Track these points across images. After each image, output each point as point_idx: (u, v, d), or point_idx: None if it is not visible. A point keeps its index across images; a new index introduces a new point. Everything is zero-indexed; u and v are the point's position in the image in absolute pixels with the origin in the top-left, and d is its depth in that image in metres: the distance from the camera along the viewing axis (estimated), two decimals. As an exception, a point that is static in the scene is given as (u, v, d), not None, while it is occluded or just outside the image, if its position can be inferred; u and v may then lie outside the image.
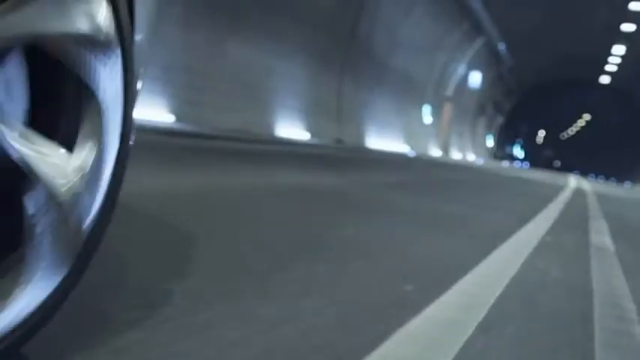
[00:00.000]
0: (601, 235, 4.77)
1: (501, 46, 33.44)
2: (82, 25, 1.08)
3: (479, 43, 29.64)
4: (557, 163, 71.54)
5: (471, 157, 37.61)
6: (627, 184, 38.66)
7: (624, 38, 34.67)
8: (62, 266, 1.15)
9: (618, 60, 41.86)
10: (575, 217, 6.25)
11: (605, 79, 51.73)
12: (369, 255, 2.62)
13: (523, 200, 7.89)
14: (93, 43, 1.11)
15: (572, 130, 75.44)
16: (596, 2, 28.08)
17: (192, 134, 8.60)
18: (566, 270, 2.93)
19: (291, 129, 14.09)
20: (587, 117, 68.12)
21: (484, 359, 1.45)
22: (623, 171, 54.32)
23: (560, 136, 75.64)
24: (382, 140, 20.74)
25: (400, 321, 1.56)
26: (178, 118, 9.59)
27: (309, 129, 14.82)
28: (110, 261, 1.73)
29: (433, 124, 28.19)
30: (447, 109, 30.13)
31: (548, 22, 31.78)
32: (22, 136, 1.05)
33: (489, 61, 34.00)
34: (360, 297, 1.84)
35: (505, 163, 43.45)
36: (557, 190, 11.88)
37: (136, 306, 1.43)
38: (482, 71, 33.00)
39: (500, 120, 51.50)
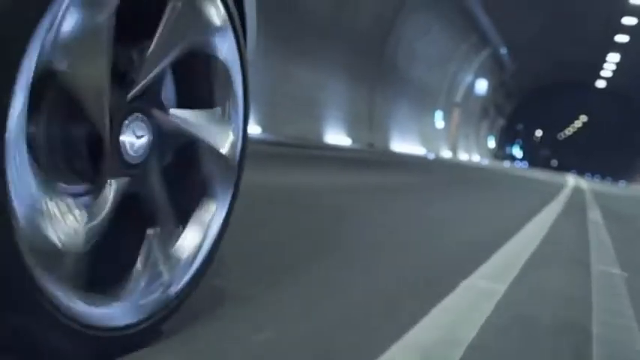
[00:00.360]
0: (595, 216, 6.92)
1: (504, 56, 34.74)
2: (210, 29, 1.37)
3: (485, 54, 31.34)
4: (555, 163, 71.01)
5: (476, 158, 38.81)
6: (622, 184, 39.47)
7: (618, 47, 36.00)
8: (227, 200, 1.44)
9: (613, 66, 42.83)
10: (576, 206, 8.36)
11: (601, 84, 52.22)
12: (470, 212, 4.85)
13: (536, 194, 10.04)
14: (212, 28, 1.38)
15: (569, 131, 75.45)
16: (592, 15, 29.44)
17: (274, 142, 10.68)
18: (575, 229, 5.13)
19: (336, 136, 16.22)
20: (584, 118, 68.27)
21: (553, 243, 3.66)
22: (618, 170, 54.77)
23: (558, 136, 75.65)
24: (403, 143, 22.68)
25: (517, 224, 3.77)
26: (263, 129, 11.70)
27: (350, 135, 16.92)
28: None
29: (444, 127, 29.75)
30: (456, 114, 31.64)
31: (548, 33, 33.13)
32: (189, 115, 1.36)
33: (493, 69, 35.43)
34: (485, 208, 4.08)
35: (506, 163, 44.38)
36: (559, 187, 13.64)
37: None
38: (487, 78, 34.37)
39: (501, 122, 52.08)
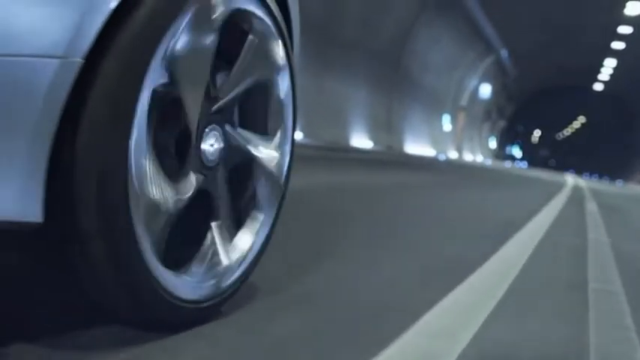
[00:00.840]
0: (592, 207, 8.40)
1: (507, 61, 36.07)
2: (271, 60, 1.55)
3: (489, 60, 32.86)
4: (553, 162, 70.33)
5: (479, 158, 40.05)
6: (619, 183, 39.05)
7: (615, 53, 37.17)
8: (272, 213, 1.61)
9: (610, 71, 43.81)
10: (576, 200, 9.80)
11: (598, 87, 52.97)
12: (491, 199, 6.42)
13: (541, 191, 11.52)
14: (276, 67, 1.58)
15: (567, 131, 75.70)
16: (590, 24, 30.63)
17: (314, 146, 12.23)
18: (575, 217, 6.64)
19: (361, 139, 17.82)
20: (582, 119, 68.81)
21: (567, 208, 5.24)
22: (616, 170, 54.81)
23: (556, 136, 75.85)
24: (416, 145, 24.29)
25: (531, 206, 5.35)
26: (304, 135, 13.23)
27: (372, 139, 18.58)
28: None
29: (451, 130, 31.17)
30: (461, 117, 33.01)
31: (548, 40, 34.25)
32: (250, 135, 1.54)
33: (496, 74, 36.80)
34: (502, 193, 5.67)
35: (507, 163, 45.23)
36: (560, 186, 14.91)
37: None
38: (490, 83, 35.71)
39: (502, 123, 52.72)
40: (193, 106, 1.31)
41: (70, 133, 1.10)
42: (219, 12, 1.34)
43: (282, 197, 1.66)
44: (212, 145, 1.41)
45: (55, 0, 1.06)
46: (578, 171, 49.58)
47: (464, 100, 32.95)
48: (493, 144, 52.00)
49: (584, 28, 31.56)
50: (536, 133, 72.96)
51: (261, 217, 1.57)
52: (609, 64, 41.56)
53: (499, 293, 2.04)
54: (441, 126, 29.32)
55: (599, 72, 45.74)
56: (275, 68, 1.60)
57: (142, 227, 1.19)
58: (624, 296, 2.32)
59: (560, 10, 28.09)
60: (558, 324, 1.81)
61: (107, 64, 1.13)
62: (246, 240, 1.53)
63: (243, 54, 1.47)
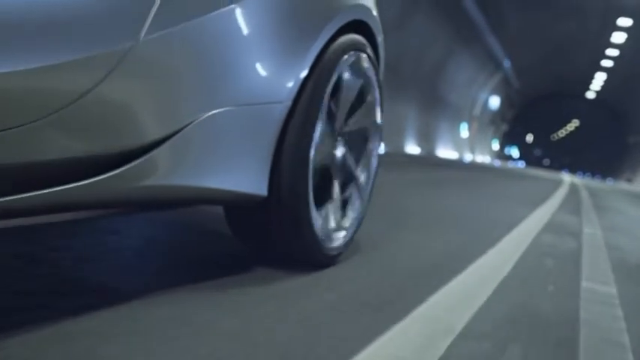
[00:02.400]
0: (585, 195, 13.13)
1: (512, 76, 40.32)
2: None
3: (497, 77, 37.52)
4: (547, 162, 71.44)
5: (487, 159, 44.51)
6: (610, 181, 41.21)
7: (605, 69, 41.19)
8: (362, 206, 2.27)
9: (601, 82, 47.18)
10: (574, 191, 13.76)
11: (591, 95, 55.61)
12: (514, 187, 11.27)
13: (548, 184, 15.80)
14: (376, 102, 2.27)
15: (562, 133, 75.87)
16: (582, 47, 34.85)
17: (389, 153, 16.95)
18: (575, 196, 11.34)
19: (412, 147, 22.72)
20: (575, 123, 70.17)
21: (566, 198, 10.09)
22: (606, 169, 57.09)
23: (551, 137, 75.97)
24: (444, 150, 29.23)
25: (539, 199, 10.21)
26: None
27: (419, 146, 23.52)
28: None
29: (467, 136, 35.94)
30: (474, 125, 37.73)
31: (548, 57, 38.18)
32: (350, 158, 2.17)
33: (502, 87, 41.38)
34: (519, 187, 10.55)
35: (511, 163, 47.78)
36: (559, 182, 18.02)
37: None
38: (498, 95, 40.32)
39: (503, 127, 55.71)
40: (335, 135, 2.05)
41: (279, 143, 1.73)
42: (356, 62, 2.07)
43: (370, 193, 2.35)
44: (339, 150, 2.12)
45: (284, 57, 1.63)
46: (572, 170, 52.51)
47: (476, 111, 37.67)
48: (496, 146, 54.93)
49: (577, 48, 35.52)
50: (535, 136, 74.03)
51: (357, 203, 2.27)
52: (600, 77, 45.22)
53: (548, 217, 6.91)
54: (459, 133, 34.16)
55: (591, 82, 48.78)
56: (375, 104, 2.31)
57: (311, 202, 1.87)
58: (595, 215, 7.21)
59: (558, 31, 31.65)
60: (571, 194, 6.74)
61: (300, 103, 1.76)
62: (346, 220, 2.20)
63: (364, 98, 2.21)
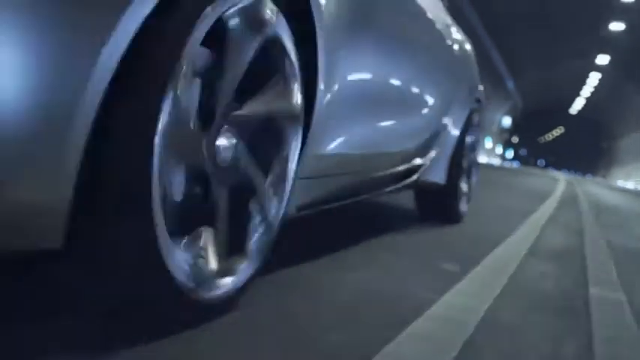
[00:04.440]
0: (575, 182, 25.72)
1: (519, 102, 51.59)
2: None
3: (509, 103, 49.69)
4: (534, 161, 76.76)
5: (498, 161, 55.74)
6: (589, 176, 50.34)
7: (588, 93, 50.37)
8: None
9: (584, 101, 55.04)
10: (568, 181, 26.94)
11: (575, 109, 61.97)
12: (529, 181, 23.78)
13: (549, 179, 28.44)
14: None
15: (548, 137, 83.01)
16: (566, 74, 43.38)
17: None
18: (570, 182, 23.97)
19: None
20: (561, 129, 77.30)
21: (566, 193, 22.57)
22: (586, 167, 64.33)
23: (539, 140, 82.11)
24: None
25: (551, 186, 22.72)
26: None
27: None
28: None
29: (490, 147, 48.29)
30: (492, 138, 50.51)
31: (543, 84, 47.55)
32: None
33: (511, 109, 53.14)
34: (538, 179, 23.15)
35: (506, 163, 55.45)
36: (555, 177, 31.80)
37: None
38: (506, 114, 52.91)
39: (505, 136, 64.16)
40: None
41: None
42: None
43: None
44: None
45: None
46: (557, 167, 59.89)
47: (494, 128, 49.97)
48: (499, 150, 64.00)
49: (562, 76, 43.92)
50: (516, 137, 77.30)
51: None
52: (584, 95, 53.30)
53: (559, 193, 19.50)
54: (484, 144, 46.49)
55: (576, 99, 56.27)
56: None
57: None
58: (581, 188, 19.84)
59: (550, 57, 38.07)
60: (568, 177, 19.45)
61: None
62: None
63: None
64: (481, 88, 3.95)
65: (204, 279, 1.31)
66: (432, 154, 3.26)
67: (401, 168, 2.82)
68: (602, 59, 37.11)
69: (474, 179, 4.10)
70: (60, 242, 1.02)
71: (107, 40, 0.98)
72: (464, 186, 3.82)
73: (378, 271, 2.23)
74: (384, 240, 2.86)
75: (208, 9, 1.19)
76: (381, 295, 1.91)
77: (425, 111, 2.89)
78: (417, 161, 3.04)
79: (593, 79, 44.02)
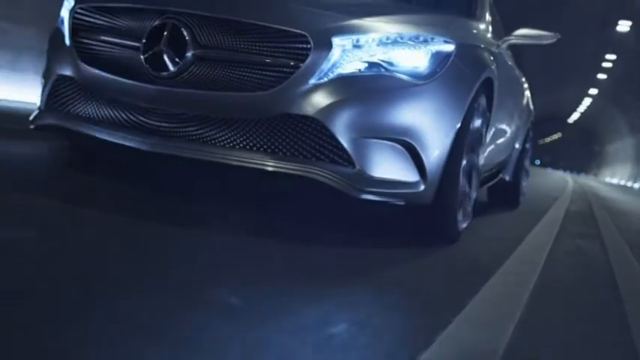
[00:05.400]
0: (573, 178, 32.42)
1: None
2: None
3: None
4: (537, 162, 74.67)
5: None
6: (583, 175, 53.74)
7: (584, 106, 53.62)
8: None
9: (578, 115, 58.60)
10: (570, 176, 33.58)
11: (573, 118, 65.22)
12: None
13: (554, 176, 34.99)
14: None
15: (546, 140, 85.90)
16: (567, 89, 47.95)
17: None
18: (568, 178, 30.61)
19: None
20: (558, 134, 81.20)
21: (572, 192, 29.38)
22: (580, 167, 67.32)
23: (538, 142, 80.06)
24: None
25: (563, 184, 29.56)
26: None
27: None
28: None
29: None
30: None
31: (547, 98, 49.32)
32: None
33: None
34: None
35: None
36: (557, 175, 38.37)
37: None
38: None
39: None
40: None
41: None
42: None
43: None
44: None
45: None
46: (555, 167, 62.97)
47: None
48: None
49: (563, 92, 45.84)
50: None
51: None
52: (580, 110, 56.14)
53: (569, 185, 26.43)
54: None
55: (574, 111, 59.19)
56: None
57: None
58: (576, 181, 26.82)
59: (554, 69, 39.74)
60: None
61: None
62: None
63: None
64: (532, 110, 4.93)
65: (467, 215, 2.94)
66: (507, 160, 4.31)
67: (495, 170, 4.00)
68: (593, 91, 43.96)
69: (528, 177, 5.22)
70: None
71: (465, 109, 2.48)
72: (524, 182, 4.96)
73: (502, 229, 4.24)
74: (502, 214, 4.88)
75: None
76: (501, 237, 3.72)
77: (511, 135, 4.17)
78: (502, 166, 4.23)
79: (587, 101, 50.09)
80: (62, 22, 2.98)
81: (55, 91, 2.85)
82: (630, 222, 7.64)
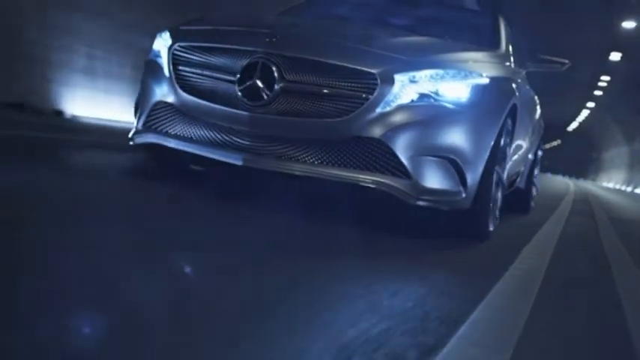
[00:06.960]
0: (570, 181, 35.13)
1: None
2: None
3: None
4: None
5: None
6: (581, 179, 55.89)
7: (582, 116, 54.82)
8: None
9: (577, 124, 59.16)
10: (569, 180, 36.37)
11: (572, 127, 65.88)
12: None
13: (557, 180, 37.47)
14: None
15: (547, 146, 76.27)
16: (567, 100, 43.57)
17: None
18: (567, 180, 33.78)
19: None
20: (558, 141, 79.69)
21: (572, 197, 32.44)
22: (577, 172, 67.37)
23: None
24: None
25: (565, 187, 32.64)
26: None
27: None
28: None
29: None
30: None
31: (543, 105, 53.10)
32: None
33: None
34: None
35: None
36: (559, 180, 40.67)
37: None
38: None
39: None
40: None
41: None
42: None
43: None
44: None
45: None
46: (554, 172, 60.48)
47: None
48: None
49: (563, 100, 43.31)
50: None
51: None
52: (579, 119, 56.93)
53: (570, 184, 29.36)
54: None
55: (573, 121, 59.89)
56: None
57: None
58: (575, 184, 29.85)
59: (556, 86, 38.26)
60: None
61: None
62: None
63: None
64: (543, 125, 5.33)
65: (494, 218, 3.15)
66: (522, 170, 4.68)
67: (513, 179, 4.30)
68: (590, 104, 46.15)
69: (538, 185, 5.67)
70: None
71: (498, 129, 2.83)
72: (534, 189, 5.45)
73: (529, 218, 5.64)
74: (516, 217, 5.37)
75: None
76: (525, 224, 4.97)
77: (526, 149, 4.50)
78: (518, 175, 4.55)
79: (585, 112, 52.20)
80: (157, 54, 3.20)
81: (154, 114, 3.05)
82: (615, 211, 10.96)
